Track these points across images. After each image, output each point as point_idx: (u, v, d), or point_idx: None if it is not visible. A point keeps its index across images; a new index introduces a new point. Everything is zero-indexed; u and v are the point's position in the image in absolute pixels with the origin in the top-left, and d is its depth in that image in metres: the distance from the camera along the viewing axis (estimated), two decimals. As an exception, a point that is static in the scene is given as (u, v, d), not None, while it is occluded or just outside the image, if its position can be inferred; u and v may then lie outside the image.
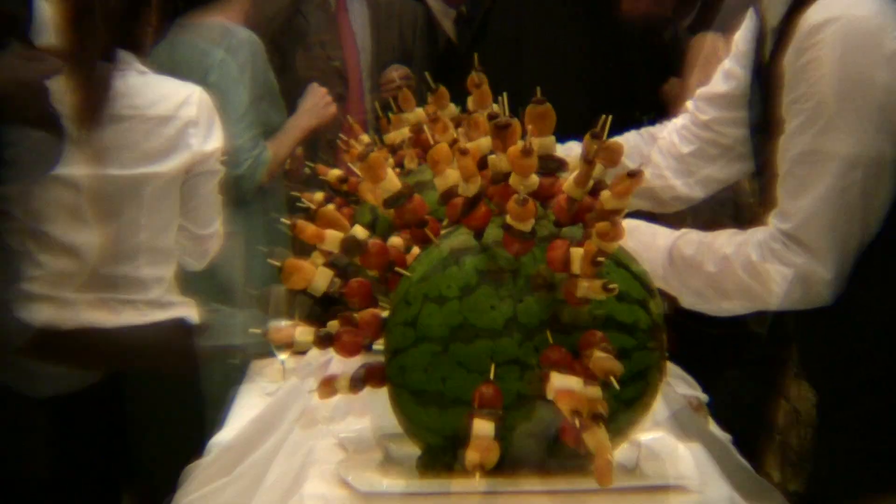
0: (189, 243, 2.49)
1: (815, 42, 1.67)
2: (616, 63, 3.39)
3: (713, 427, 1.99)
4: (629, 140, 2.15)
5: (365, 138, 2.20)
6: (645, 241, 1.82)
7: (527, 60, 3.31)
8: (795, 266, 1.69)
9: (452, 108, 2.03)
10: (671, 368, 2.01)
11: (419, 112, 2.08)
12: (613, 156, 1.45)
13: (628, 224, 1.71)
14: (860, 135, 1.65)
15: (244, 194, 3.17)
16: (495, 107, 1.73)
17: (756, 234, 1.74)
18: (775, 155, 1.75)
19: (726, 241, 1.77)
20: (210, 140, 2.43)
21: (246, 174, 3.14)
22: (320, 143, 3.62)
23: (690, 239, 1.82)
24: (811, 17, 1.68)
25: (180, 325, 2.44)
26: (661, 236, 1.84)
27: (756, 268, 1.71)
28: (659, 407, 1.60)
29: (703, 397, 2.12)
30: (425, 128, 1.74)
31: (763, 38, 1.87)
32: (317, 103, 3.37)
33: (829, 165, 1.67)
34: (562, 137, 1.49)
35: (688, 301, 1.82)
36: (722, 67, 2.05)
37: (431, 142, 1.46)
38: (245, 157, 3.12)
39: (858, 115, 1.65)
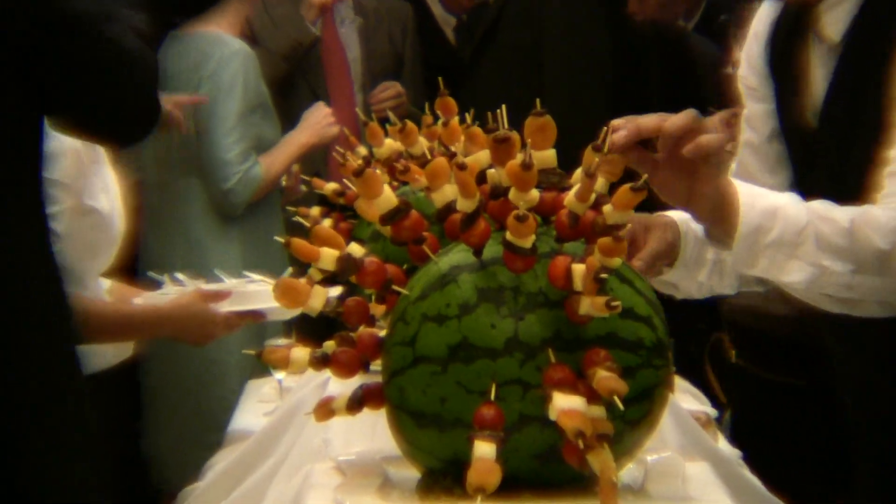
0: None
1: None
2: (636, 68, 3.37)
3: (723, 443, 1.95)
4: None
5: (362, 150, 2.17)
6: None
7: (548, 68, 3.28)
8: None
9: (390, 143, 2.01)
10: (679, 383, 1.97)
11: (389, 144, 2.04)
12: (614, 168, 1.42)
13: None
14: None
15: (233, 210, 3.13)
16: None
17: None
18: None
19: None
20: None
21: (235, 189, 3.09)
22: (326, 158, 3.55)
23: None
24: None
25: None
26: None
27: None
28: (666, 424, 1.57)
29: (712, 412, 2.08)
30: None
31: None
32: (319, 121, 3.31)
33: None
34: (579, 145, 1.44)
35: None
36: (747, 86, 1.95)
37: (429, 157, 1.42)
38: (234, 171, 3.07)
39: None
